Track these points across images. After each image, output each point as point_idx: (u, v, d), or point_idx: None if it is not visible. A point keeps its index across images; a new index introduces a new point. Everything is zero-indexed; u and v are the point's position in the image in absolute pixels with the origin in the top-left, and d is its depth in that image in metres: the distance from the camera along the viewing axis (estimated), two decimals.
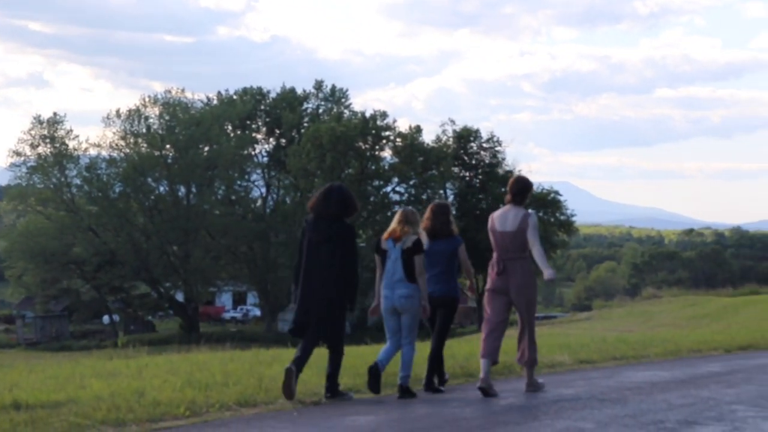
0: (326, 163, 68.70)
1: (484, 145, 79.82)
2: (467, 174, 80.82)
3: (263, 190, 78.78)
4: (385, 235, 10.13)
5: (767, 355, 15.63)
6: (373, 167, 74.02)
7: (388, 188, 76.47)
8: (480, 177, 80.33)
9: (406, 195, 76.75)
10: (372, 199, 74.01)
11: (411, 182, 74.87)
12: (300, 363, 9.58)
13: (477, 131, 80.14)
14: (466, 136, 79.64)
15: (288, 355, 14.02)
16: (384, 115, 74.50)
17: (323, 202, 9.81)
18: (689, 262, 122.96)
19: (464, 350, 14.41)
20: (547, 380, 11.50)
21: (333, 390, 9.80)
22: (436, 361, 10.70)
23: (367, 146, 73.42)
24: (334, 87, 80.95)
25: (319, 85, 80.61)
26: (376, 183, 75.00)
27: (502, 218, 10.35)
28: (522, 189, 10.44)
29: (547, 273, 10.03)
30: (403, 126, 77.31)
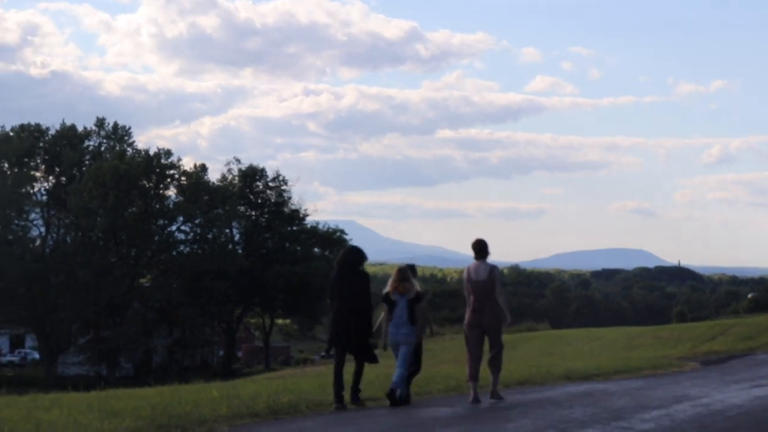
0: (109, 202, 67.33)
1: (270, 183, 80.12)
2: (253, 213, 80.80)
3: (42, 229, 76.24)
4: (391, 289, 13.80)
5: (543, 389, 16.15)
6: (158, 206, 73.05)
7: (173, 227, 75.54)
8: (266, 216, 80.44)
9: (192, 234, 75.93)
10: (157, 238, 72.92)
11: (196, 221, 74.19)
12: (354, 386, 13.38)
13: (263, 170, 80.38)
14: (251, 174, 79.70)
15: (67, 399, 13.65)
16: (168, 153, 73.70)
17: (344, 258, 13.81)
18: None
19: (250, 390, 14.35)
20: (331, 419, 11.57)
21: (355, 397, 13.27)
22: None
23: (151, 185, 72.42)
24: (116, 124, 79.26)
25: (100, 123, 78.75)
26: (161, 222, 73.97)
27: (476, 270, 13.81)
28: (481, 248, 13.90)
29: (509, 320, 13.79)
30: (188, 164, 76.37)
